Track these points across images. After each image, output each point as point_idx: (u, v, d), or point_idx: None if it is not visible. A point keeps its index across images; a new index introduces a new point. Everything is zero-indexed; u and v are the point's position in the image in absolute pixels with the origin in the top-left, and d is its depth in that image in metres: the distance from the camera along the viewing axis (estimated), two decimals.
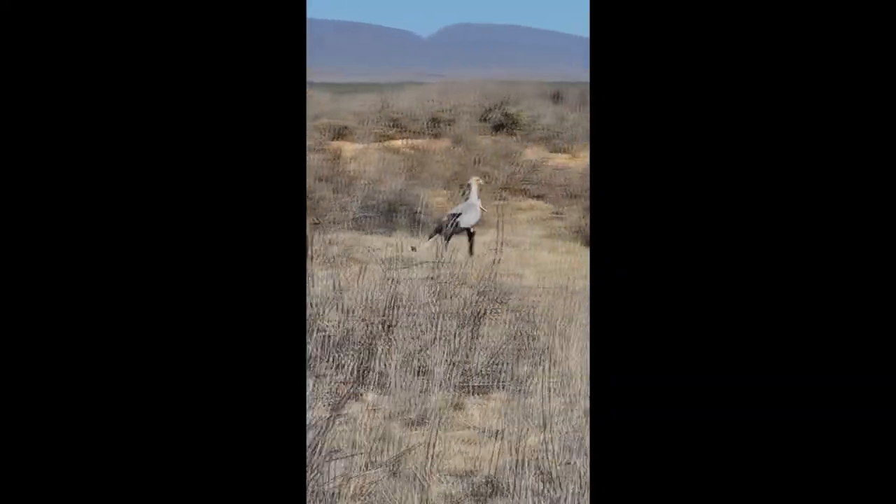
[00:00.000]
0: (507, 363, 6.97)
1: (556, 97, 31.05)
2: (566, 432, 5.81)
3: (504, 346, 7.10)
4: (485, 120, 19.98)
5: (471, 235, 11.57)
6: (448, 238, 11.54)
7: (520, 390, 6.71)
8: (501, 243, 9.67)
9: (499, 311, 7.42)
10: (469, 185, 11.99)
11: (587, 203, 14.33)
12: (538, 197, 16.33)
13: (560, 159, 18.79)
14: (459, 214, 11.62)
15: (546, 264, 12.21)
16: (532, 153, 18.48)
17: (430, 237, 11.81)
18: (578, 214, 14.02)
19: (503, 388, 6.78)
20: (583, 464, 5.36)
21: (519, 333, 7.30)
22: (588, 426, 5.51)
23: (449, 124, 19.66)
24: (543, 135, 20.01)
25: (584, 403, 6.50)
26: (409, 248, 11.03)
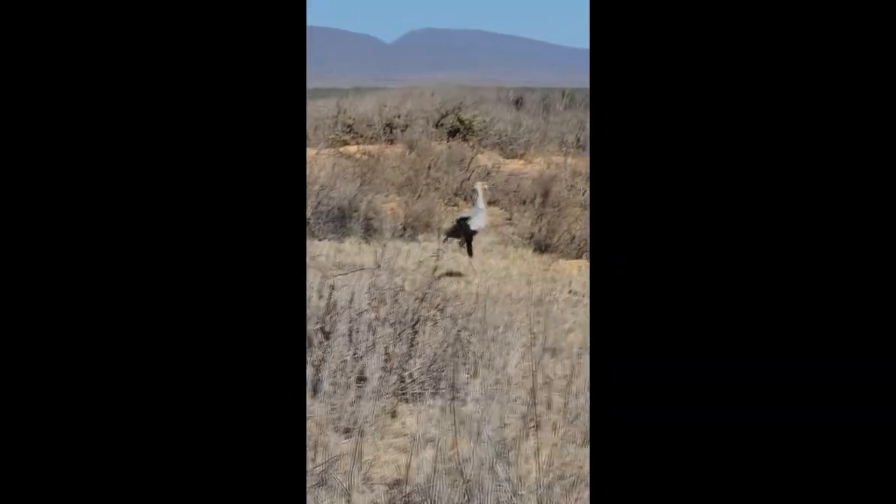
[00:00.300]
0: (445, 370, 6.93)
1: (518, 102, 31.07)
2: (498, 440, 5.79)
3: (442, 353, 7.06)
4: (439, 125, 19.96)
5: (470, 238, 11.97)
6: (464, 242, 12.03)
7: (456, 398, 6.68)
8: (440, 250, 9.64)
9: (438, 317, 7.38)
10: (475, 191, 12.33)
11: (539, 209, 14.33)
12: (491, 203, 16.31)
13: (514, 165, 18.78)
14: (469, 218, 11.99)
15: (496, 270, 12.20)
16: (486, 158, 18.47)
17: (444, 241, 12.27)
18: (530, 220, 14.00)
19: (440, 395, 6.75)
20: (515, 473, 5.34)
21: (458, 340, 7.27)
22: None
23: (403, 130, 19.63)
24: (498, 140, 20.01)
25: (521, 410, 6.48)
26: (427, 255, 11.76)
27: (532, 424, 6.23)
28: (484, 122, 20.16)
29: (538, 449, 5.72)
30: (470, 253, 12.04)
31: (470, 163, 17.05)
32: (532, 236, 13.44)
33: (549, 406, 6.57)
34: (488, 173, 17.05)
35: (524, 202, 15.00)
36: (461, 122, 19.88)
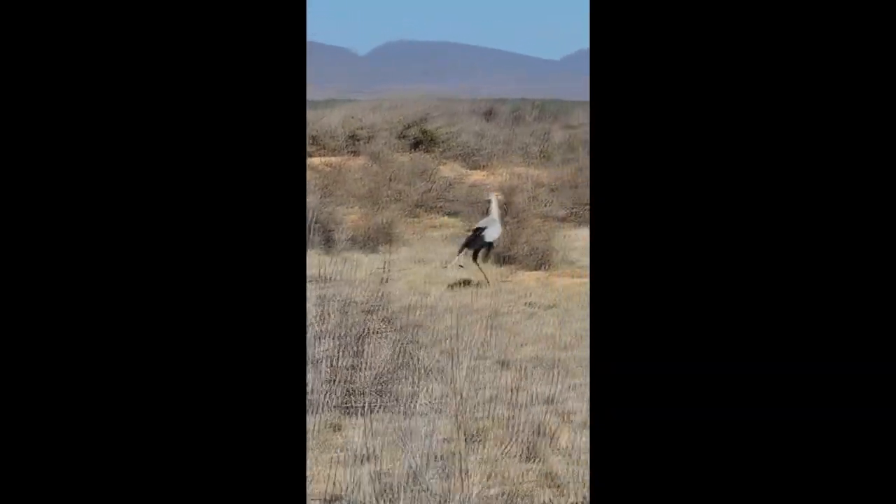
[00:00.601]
0: (391, 383, 6.85)
1: (489, 114, 31.08)
2: (439, 455, 5.71)
3: (388, 366, 6.98)
4: (403, 137, 19.89)
5: (489, 247, 12.28)
6: (477, 252, 12.26)
7: (402, 411, 6.60)
8: (388, 262, 9.56)
9: (386, 330, 7.30)
10: (489, 201, 12.56)
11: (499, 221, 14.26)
12: (453, 214, 16.25)
13: (478, 176, 18.73)
14: (485, 229, 12.22)
15: (455, 282, 12.13)
16: (448, 170, 18.41)
17: (460, 251, 12.36)
18: None
19: (384, 408, 6.66)
20: (454, 487, 5.26)
21: (405, 353, 7.18)
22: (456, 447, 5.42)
23: (367, 142, 19.55)
24: (462, 152, 19.96)
25: (466, 424, 6.40)
26: (443, 266, 12.29)
27: (477, 439, 6.15)
28: (448, 133, 20.11)
29: (480, 463, 5.64)
30: (477, 258, 12.23)
31: (432, 174, 16.98)
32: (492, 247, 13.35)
33: (493, 420, 6.48)
34: (451, 185, 17.00)
35: (484, 213, 14.92)
36: (425, 133, 19.83)
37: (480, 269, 12.18)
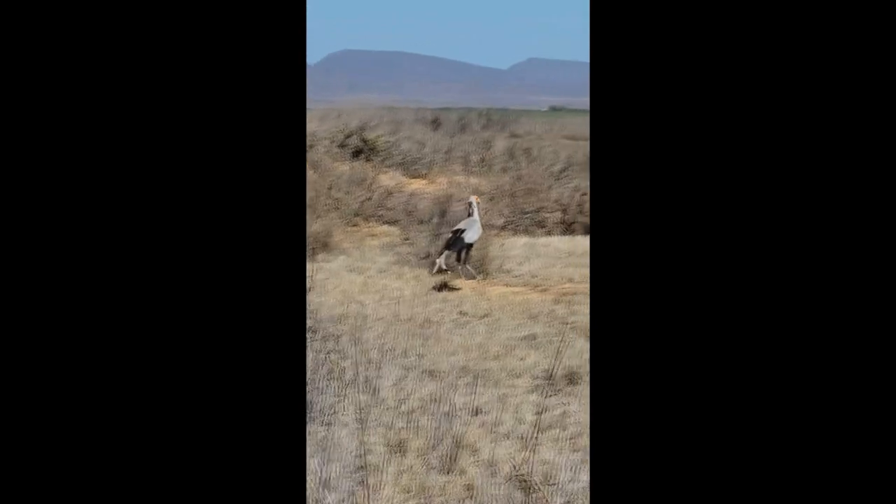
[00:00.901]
0: (311, 393, 6.78)
1: (436, 122, 31.04)
2: (358, 465, 5.66)
3: (312, 377, 6.91)
4: (343, 146, 19.81)
5: (468, 249, 12.46)
6: (459, 253, 12.49)
7: (323, 421, 6.53)
8: (314, 271, 9.48)
9: (310, 339, 7.23)
10: (470, 204, 12.80)
11: (436, 229, 14.21)
12: (391, 223, 16.19)
13: (417, 184, 18.68)
14: (464, 231, 12.42)
15: (389, 291, 12.06)
16: (388, 179, 18.34)
17: (441, 253, 12.53)
18: (427, 240, 13.87)
19: (308, 419, 6.59)
20: (381, 497, 5.20)
21: (327, 362, 7.12)
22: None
23: (308, 150, 19.46)
24: (402, 160, 19.90)
25: (389, 435, 6.34)
26: (436, 268, 12.35)
27: (397, 450, 6.10)
28: (388, 142, 20.05)
29: (398, 474, 5.59)
30: (463, 261, 12.43)
31: (371, 183, 16.91)
32: (428, 256, 13.30)
33: (416, 431, 6.43)
34: (389, 193, 16.94)
35: (421, 222, 14.88)
36: (365, 142, 19.75)
37: (461, 271, 12.49)
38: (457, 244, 12.42)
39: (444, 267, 12.32)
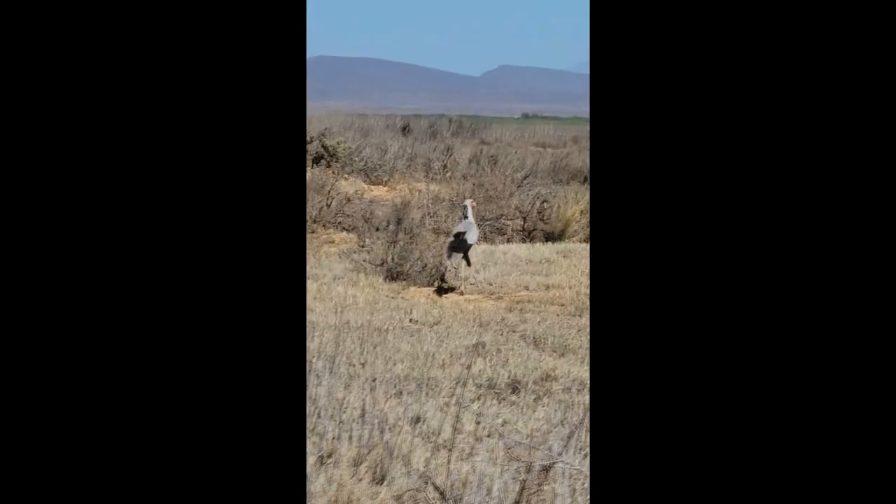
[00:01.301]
0: None
1: (406, 129, 30.93)
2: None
3: None
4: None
5: (467, 250, 12.84)
6: (463, 255, 12.84)
7: None
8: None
9: None
10: (465, 206, 13.32)
11: (392, 236, 14.12)
12: (349, 229, 16.08)
13: (378, 191, 18.58)
14: (465, 233, 12.82)
15: (343, 298, 11.95)
16: (349, 185, 18.24)
17: (449, 257, 12.86)
18: (383, 247, 13.77)
19: None
20: None
21: None
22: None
23: None
24: (363, 167, 19.80)
25: (322, 444, 6.24)
26: (449, 272, 12.87)
27: (330, 461, 6.00)
28: (349, 148, 19.94)
29: (326, 484, 5.50)
30: (469, 264, 12.82)
31: (329, 190, 16.80)
32: (383, 263, 13.20)
33: (350, 440, 6.32)
34: (348, 200, 16.83)
35: (378, 229, 14.78)
36: (325, 148, 19.64)
37: (468, 264, 12.88)
38: (461, 246, 12.78)
39: (454, 268, 12.78)
